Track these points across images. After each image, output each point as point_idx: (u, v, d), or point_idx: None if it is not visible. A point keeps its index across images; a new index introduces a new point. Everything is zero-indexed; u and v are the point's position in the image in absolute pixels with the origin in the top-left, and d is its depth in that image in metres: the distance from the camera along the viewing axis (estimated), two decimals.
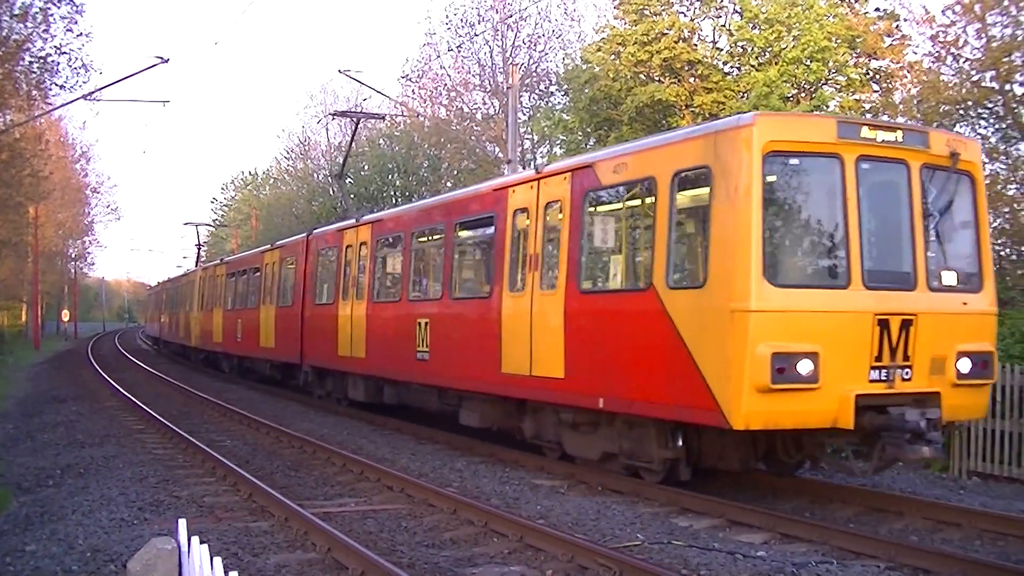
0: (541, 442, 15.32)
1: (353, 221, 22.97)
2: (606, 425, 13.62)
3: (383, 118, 41.39)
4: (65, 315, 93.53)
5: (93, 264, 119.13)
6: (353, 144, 40.78)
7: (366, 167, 55.06)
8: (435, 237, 18.63)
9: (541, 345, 14.18)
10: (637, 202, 13.44)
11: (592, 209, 13.89)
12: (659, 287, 11.85)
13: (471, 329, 16.46)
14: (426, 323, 17.88)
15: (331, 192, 58.60)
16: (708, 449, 12.72)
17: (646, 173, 12.60)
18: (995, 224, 22.53)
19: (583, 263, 13.73)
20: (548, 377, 13.99)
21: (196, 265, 53.49)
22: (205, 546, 4.14)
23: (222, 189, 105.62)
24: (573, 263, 13.70)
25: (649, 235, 12.59)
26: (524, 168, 26.10)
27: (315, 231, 26.28)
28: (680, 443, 12.52)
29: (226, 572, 3.84)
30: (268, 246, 31.01)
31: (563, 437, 14.61)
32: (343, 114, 40.07)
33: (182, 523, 4.64)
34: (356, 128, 36.03)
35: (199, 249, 62.16)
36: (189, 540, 4.38)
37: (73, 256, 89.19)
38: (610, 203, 14.02)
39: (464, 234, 17.91)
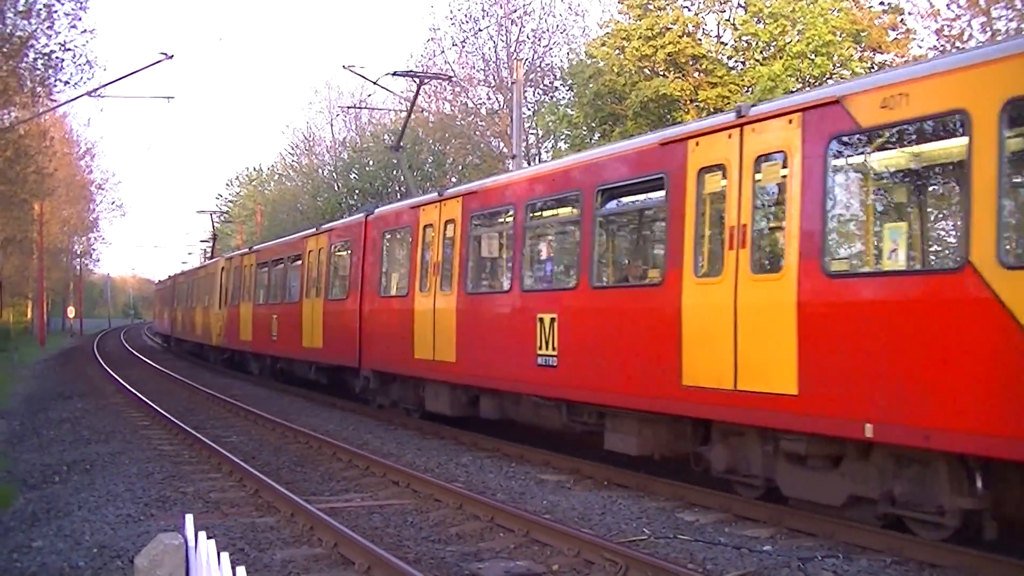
0: (736, 477, 11.71)
1: (434, 196, 18.93)
2: (857, 459, 10.08)
3: (449, 79, 41.21)
4: (70, 312, 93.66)
5: (98, 260, 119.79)
6: (357, 138, 40.51)
7: (371, 163, 55.06)
8: (565, 210, 15.08)
9: (754, 348, 10.62)
10: (931, 148, 9.94)
11: (842, 163, 10.33)
12: (982, 265, 8.35)
13: (628, 327, 12.74)
14: (552, 319, 14.15)
15: (336, 188, 58.62)
16: None
17: (949, 105, 9.00)
18: None
19: (829, 235, 10.19)
20: (768, 393, 10.35)
21: (211, 256, 51.64)
22: (212, 541, 4.14)
23: (227, 185, 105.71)
24: (813, 236, 10.04)
25: (955, 193, 9.80)
26: (528, 163, 26.04)
27: (377, 210, 22.18)
28: (982, 487, 9.08)
29: (233, 567, 3.84)
30: (312, 230, 27.14)
31: (779, 473, 11.00)
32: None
33: (189, 518, 4.64)
34: (418, 90, 29.84)
35: (214, 240, 60.09)
36: (196, 535, 4.38)
37: (78, 253, 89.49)
38: (877, 152, 10.28)
39: (613, 204, 14.27)
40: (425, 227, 18.76)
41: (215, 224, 63.53)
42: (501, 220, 16.84)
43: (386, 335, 20.25)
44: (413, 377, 19.41)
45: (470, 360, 16.58)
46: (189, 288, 48.24)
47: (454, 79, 43.14)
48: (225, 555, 3.93)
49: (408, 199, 22.11)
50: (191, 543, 4.42)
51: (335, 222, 26.06)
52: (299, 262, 27.13)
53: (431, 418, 19.01)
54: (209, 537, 4.37)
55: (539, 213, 15.64)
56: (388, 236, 21.04)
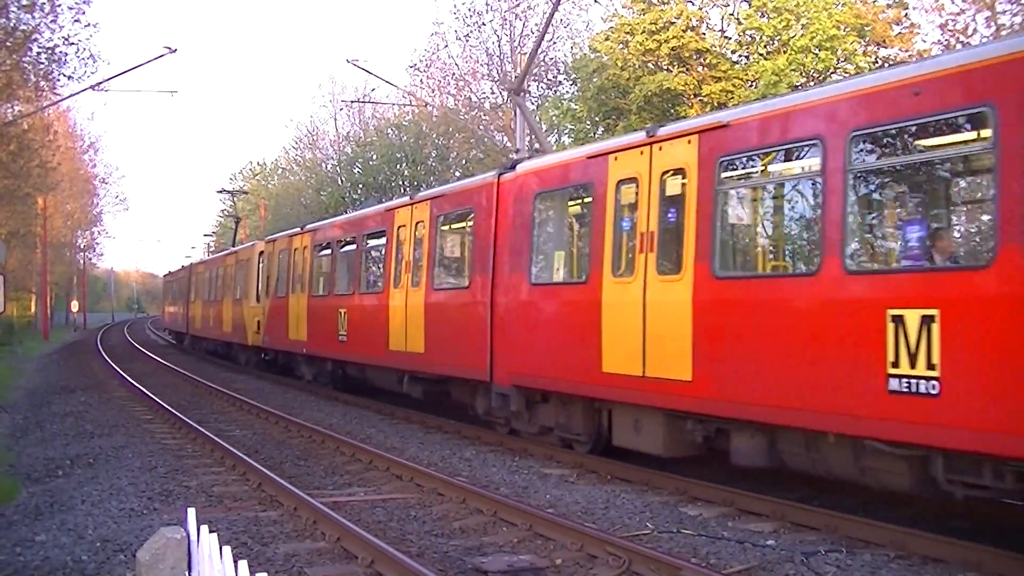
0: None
1: (642, 136, 13.10)
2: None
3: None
4: (74, 306, 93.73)
5: (102, 255, 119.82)
6: (360, 133, 40.51)
7: (374, 156, 55.07)
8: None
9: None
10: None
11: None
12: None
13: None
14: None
15: (339, 182, 58.60)
16: None
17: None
18: None
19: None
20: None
21: (233, 243, 46.30)
22: (214, 535, 4.13)
23: (231, 179, 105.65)
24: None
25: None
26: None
27: (520, 167, 16.03)
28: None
29: (235, 561, 3.83)
30: (405, 199, 21.00)
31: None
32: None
33: (191, 512, 4.63)
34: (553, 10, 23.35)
35: (237, 224, 54.24)
36: (199, 529, 4.37)
37: (82, 247, 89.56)
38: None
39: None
40: (619, 185, 13.33)
41: (234, 203, 60.03)
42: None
43: (542, 338, 14.70)
44: (588, 398, 14.07)
45: (717, 377, 11.35)
46: (212, 278, 42.06)
47: (396, 106, 44.47)
48: (227, 549, 3.92)
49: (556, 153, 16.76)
50: (194, 537, 4.41)
51: (442, 188, 19.70)
52: (382, 240, 21.32)
53: (613, 454, 14.14)
54: (212, 531, 4.36)
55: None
56: (544, 202, 15.45)
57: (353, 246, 23.18)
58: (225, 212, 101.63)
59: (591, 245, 13.64)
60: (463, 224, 17.97)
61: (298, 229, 28.35)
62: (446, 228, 18.53)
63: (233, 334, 35.80)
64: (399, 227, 20.20)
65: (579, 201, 14.97)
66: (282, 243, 29.36)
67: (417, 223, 19.20)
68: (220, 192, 65.92)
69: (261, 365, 33.64)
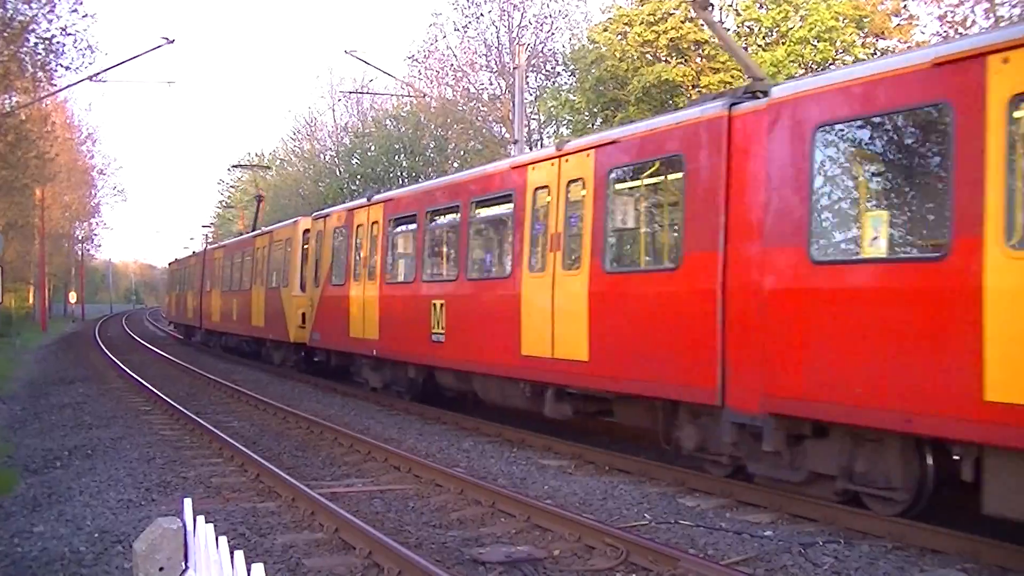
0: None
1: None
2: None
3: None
4: (72, 297, 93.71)
5: (100, 246, 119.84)
6: (359, 124, 39.70)
7: (372, 147, 55.02)
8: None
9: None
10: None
11: (618, 187, 13.34)
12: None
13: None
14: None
15: (337, 173, 58.58)
16: None
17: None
18: None
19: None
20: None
21: (254, 225, 41.05)
22: (210, 526, 4.13)
23: (229, 170, 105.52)
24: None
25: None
26: (530, 149, 25.95)
27: (778, 90, 10.86)
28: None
29: (232, 552, 3.83)
30: (542, 151, 16.26)
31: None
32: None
33: (187, 503, 4.63)
34: None
35: (259, 203, 45.25)
36: (195, 520, 4.37)
37: (80, 238, 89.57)
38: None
39: (482, 213, 17.41)
40: (537, 189, 14.60)
41: (255, 180, 54.18)
42: None
43: (839, 344, 9.70)
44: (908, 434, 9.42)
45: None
46: (235, 264, 36.76)
47: (395, 97, 43.39)
48: (223, 539, 3.92)
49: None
50: (190, 527, 4.41)
51: (615, 131, 14.29)
52: (505, 208, 16.32)
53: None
54: (210, 522, 4.36)
55: None
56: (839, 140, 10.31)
57: (454, 217, 18.09)
58: (223, 203, 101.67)
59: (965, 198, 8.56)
60: (658, 180, 13.35)
61: (363, 200, 22.39)
62: (624, 187, 13.66)
63: (266, 329, 30.63)
64: (536, 189, 15.19)
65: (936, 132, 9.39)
66: (338, 218, 23.92)
67: (569, 183, 14.32)
68: (235, 166, 59.16)
69: (304, 366, 28.23)
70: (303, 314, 26.63)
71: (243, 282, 34.75)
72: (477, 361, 16.63)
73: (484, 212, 17.33)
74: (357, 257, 22.22)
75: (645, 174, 13.34)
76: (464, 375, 17.73)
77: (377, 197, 21.67)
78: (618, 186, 13.53)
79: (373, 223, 21.39)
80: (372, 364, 22.16)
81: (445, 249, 19.19)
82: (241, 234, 44.98)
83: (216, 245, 44.89)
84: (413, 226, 19.66)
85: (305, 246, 27.67)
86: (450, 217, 18.40)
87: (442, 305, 17.66)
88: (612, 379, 13.04)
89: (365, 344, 21.36)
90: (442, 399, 19.79)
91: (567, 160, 14.37)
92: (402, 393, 20.92)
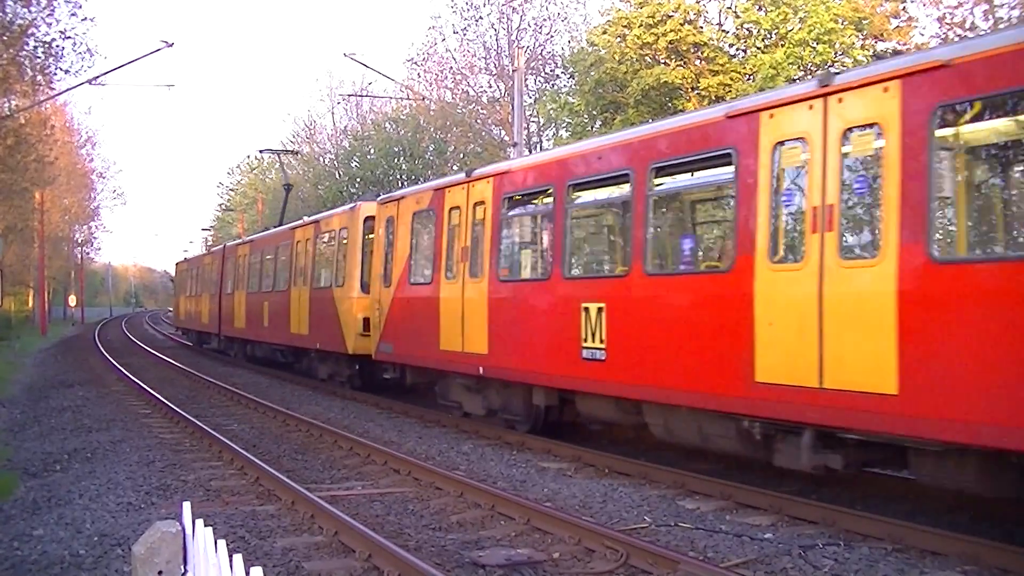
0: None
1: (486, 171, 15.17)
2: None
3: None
4: (72, 300, 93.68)
5: (99, 249, 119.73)
6: (358, 127, 38.45)
7: (372, 150, 55.04)
8: None
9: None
10: (612, 191, 14.20)
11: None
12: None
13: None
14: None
15: (337, 176, 58.59)
16: None
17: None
18: None
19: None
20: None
21: (281, 219, 37.13)
22: (209, 529, 4.13)
23: (228, 173, 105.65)
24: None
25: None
26: (529, 151, 25.97)
27: None
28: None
29: (231, 555, 3.82)
30: (800, 87, 10.94)
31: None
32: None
33: (186, 506, 4.62)
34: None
35: (288, 191, 40.93)
36: (194, 523, 4.37)
37: (79, 241, 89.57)
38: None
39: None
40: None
41: (282, 166, 48.40)
42: None
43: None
44: None
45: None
46: (264, 262, 32.10)
47: (394, 100, 41.99)
48: (222, 542, 3.92)
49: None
50: (189, 531, 4.41)
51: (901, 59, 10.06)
52: (723, 174, 11.91)
53: None
54: (210, 525, 4.36)
55: None
56: None
57: (620, 191, 13.80)
58: (223, 206, 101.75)
59: None
60: None
61: (457, 176, 18.33)
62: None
63: (312, 337, 25.68)
64: (785, 144, 10.61)
65: None
66: (418, 200, 19.38)
67: (866, 129, 9.76)
68: (263, 152, 51.05)
69: (358, 383, 24.01)
70: (365, 320, 21.80)
71: (278, 282, 29.79)
72: (661, 386, 12.29)
73: (675, 181, 13.35)
74: (451, 248, 17.61)
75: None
76: (632, 404, 13.32)
77: (483, 170, 17.29)
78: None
79: (476, 204, 16.86)
80: (470, 384, 17.50)
81: (604, 235, 15.93)
82: (246, 235, 44.03)
83: (240, 240, 38.68)
84: (543, 205, 15.53)
85: (369, 236, 22.81)
86: (613, 191, 14.22)
87: (600, 310, 13.30)
88: (941, 422, 8.74)
89: (465, 360, 16.80)
90: (575, 432, 16.14)
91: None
92: (516, 423, 16.34)
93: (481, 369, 16.29)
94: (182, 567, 4.38)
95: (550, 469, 13.63)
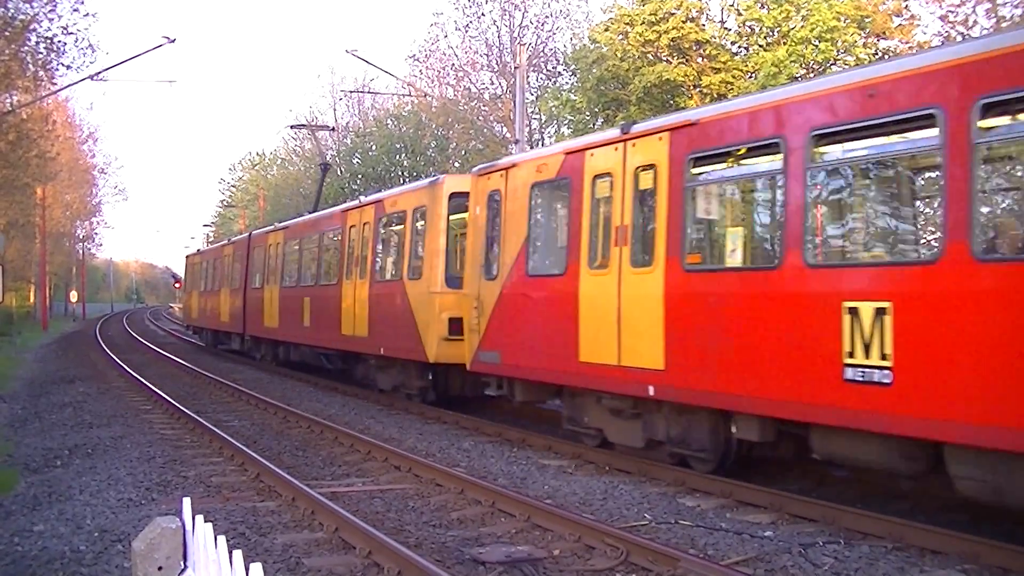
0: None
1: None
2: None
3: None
4: (73, 296, 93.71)
5: (101, 245, 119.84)
6: (360, 123, 37.16)
7: (374, 147, 55.01)
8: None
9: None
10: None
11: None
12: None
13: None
14: None
15: (339, 172, 58.59)
16: None
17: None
18: None
19: (376, 260, 20.29)
20: (358, 337, 22.39)
21: (316, 204, 33.92)
22: (209, 525, 4.13)
23: (230, 169, 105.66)
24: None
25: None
26: (530, 148, 25.92)
27: None
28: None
29: (231, 551, 3.82)
30: None
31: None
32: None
33: (186, 502, 4.62)
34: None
35: (324, 171, 37.22)
36: (194, 519, 4.36)
37: (81, 237, 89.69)
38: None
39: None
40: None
41: (316, 142, 43.59)
42: None
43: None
44: None
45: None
46: (305, 252, 28.13)
47: (395, 96, 40.65)
48: (222, 538, 3.91)
49: None
50: (189, 527, 4.40)
51: None
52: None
53: None
54: (210, 521, 4.35)
55: None
56: None
57: (898, 142, 10.41)
58: (224, 202, 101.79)
59: None
60: None
61: (609, 133, 14.14)
62: None
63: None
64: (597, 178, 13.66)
65: None
66: (539, 169, 15.37)
67: None
68: (294, 127, 45.06)
69: (433, 395, 19.99)
70: (453, 321, 18.10)
71: (324, 274, 25.77)
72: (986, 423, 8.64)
73: None
74: (597, 229, 13.94)
75: None
76: (926, 446, 9.64)
77: (651, 124, 13.21)
78: None
79: (640, 168, 12.90)
80: (623, 408, 13.54)
81: (882, 203, 11.83)
82: (248, 230, 41.74)
83: (270, 227, 33.37)
84: (763, 165, 11.72)
85: (455, 216, 19.22)
86: (897, 141, 10.37)
87: (881, 312, 9.49)
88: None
89: (621, 376, 12.95)
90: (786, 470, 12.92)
91: None
92: (694, 459, 12.57)
93: (652, 389, 12.34)
94: (182, 563, 4.38)
95: (551, 466, 13.63)
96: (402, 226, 20.66)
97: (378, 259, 21.90)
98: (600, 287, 13.43)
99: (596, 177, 13.83)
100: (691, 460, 12.55)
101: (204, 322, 43.22)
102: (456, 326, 17.93)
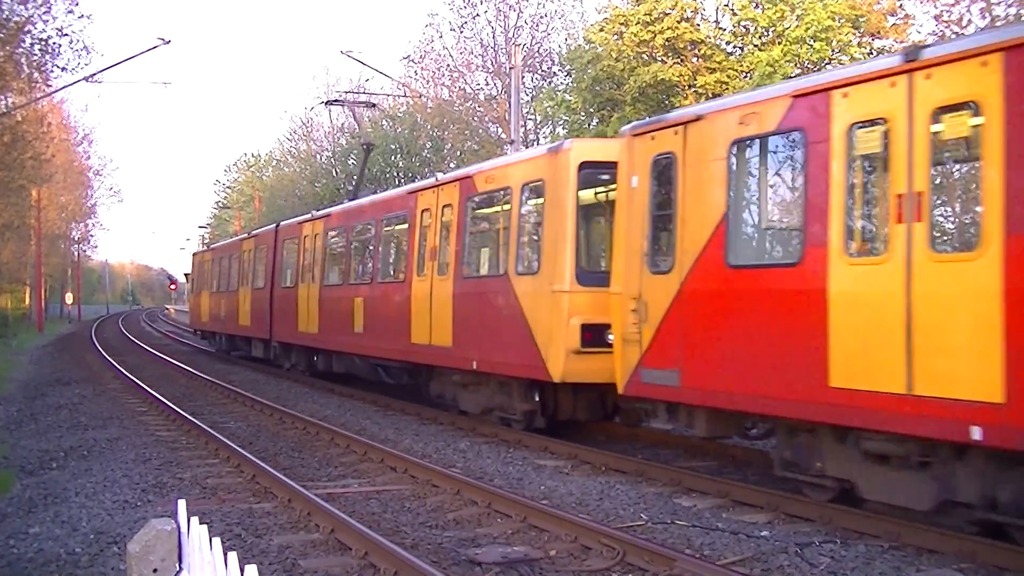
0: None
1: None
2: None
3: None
4: (68, 298, 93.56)
5: (96, 247, 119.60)
6: (355, 124, 35.68)
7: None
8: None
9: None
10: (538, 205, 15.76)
11: (472, 212, 17.79)
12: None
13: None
14: None
15: (334, 173, 58.55)
16: None
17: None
18: None
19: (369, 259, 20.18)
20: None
21: (356, 188, 30.28)
22: (204, 527, 4.12)
23: (225, 171, 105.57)
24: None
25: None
26: (526, 147, 25.82)
27: None
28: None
29: (226, 553, 3.82)
30: None
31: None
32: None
33: (181, 504, 4.61)
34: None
35: (367, 152, 31.86)
36: (189, 521, 4.36)
37: (76, 239, 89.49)
38: (487, 208, 17.39)
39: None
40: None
41: (356, 117, 40.01)
42: None
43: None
44: None
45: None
46: (354, 243, 23.79)
47: (391, 97, 39.93)
48: (217, 540, 3.91)
49: None
50: (184, 528, 4.40)
51: None
52: None
53: None
54: (206, 523, 4.35)
55: None
56: None
57: None
58: (220, 204, 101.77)
59: None
60: None
61: (853, 71, 10.35)
62: None
63: (459, 350, 17.12)
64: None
65: None
66: (746, 119, 11.29)
67: None
68: (330, 104, 40.69)
69: (542, 421, 15.82)
70: (586, 328, 14.14)
71: (385, 270, 21.69)
72: None
73: None
74: (854, 200, 10.20)
75: None
76: None
77: (952, 47, 9.39)
78: None
79: (941, 111, 9.19)
80: (900, 454, 9.67)
81: None
82: (243, 232, 39.90)
83: (306, 216, 28.30)
84: None
85: (604, 192, 15.23)
86: None
87: None
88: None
89: (919, 411, 9.03)
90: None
91: None
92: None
93: (978, 431, 8.50)
94: (177, 565, 4.37)
95: (547, 467, 13.63)
96: (505, 207, 16.43)
97: (467, 250, 17.49)
98: (868, 281, 9.63)
99: (854, 126, 9.91)
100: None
101: (217, 326, 38.78)
102: (592, 335, 14.05)
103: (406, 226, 20.04)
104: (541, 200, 15.37)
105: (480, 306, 16.65)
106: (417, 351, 18.78)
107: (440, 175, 19.37)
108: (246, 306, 32.89)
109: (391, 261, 21.71)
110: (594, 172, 14.74)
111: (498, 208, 16.88)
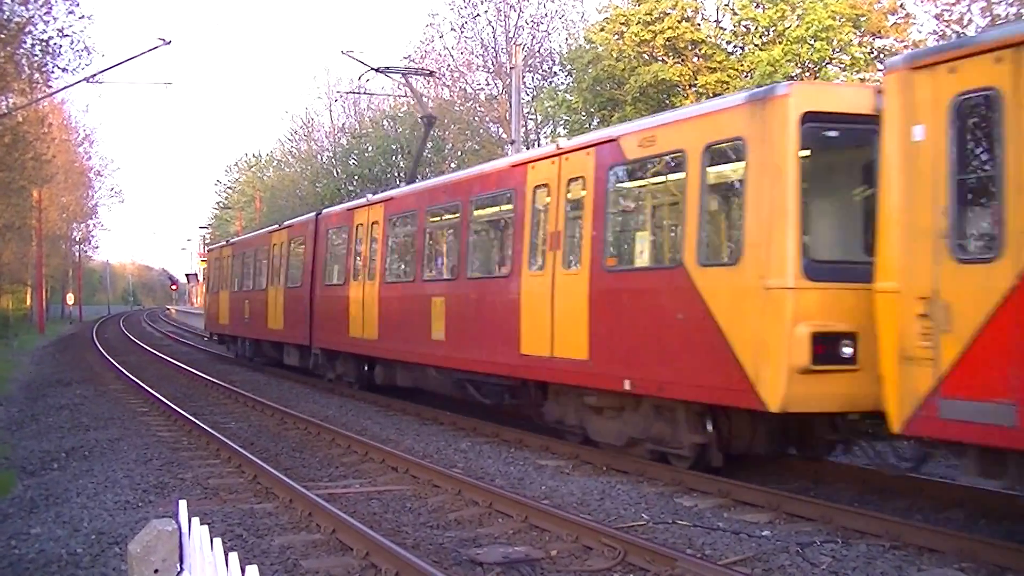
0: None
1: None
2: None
3: (431, 73, 34.26)
4: (70, 298, 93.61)
5: (97, 247, 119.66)
6: (356, 124, 35.32)
7: (370, 148, 54.98)
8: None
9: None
10: (507, 208, 16.55)
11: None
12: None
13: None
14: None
15: (335, 174, 58.55)
16: None
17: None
18: None
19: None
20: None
21: (416, 162, 30.06)
22: (205, 527, 4.12)
23: (226, 171, 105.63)
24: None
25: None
26: (527, 148, 25.78)
27: None
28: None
29: (227, 553, 3.82)
30: None
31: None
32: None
33: (183, 504, 4.62)
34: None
35: (429, 126, 28.26)
36: (190, 521, 4.36)
37: (77, 239, 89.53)
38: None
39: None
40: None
41: (412, 89, 33.69)
42: None
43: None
44: None
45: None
46: (426, 233, 19.73)
47: (436, 73, 39.54)
48: (218, 541, 3.91)
49: None
50: (185, 529, 4.40)
51: None
52: None
53: None
54: (207, 523, 4.35)
55: None
56: None
57: None
58: (221, 204, 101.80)
59: None
60: None
61: None
62: None
63: (597, 367, 13.44)
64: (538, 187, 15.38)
65: None
66: None
67: None
68: (380, 70, 36.76)
69: (719, 459, 12.38)
70: (818, 338, 10.48)
71: (476, 264, 18.12)
72: None
73: None
74: None
75: None
76: None
77: None
78: None
79: None
80: None
81: None
82: (244, 233, 39.69)
83: (360, 201, 23.66)
84: None
85: (812, 155, 11.30)
86: None
87: None
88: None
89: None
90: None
91: None
92: None
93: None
94: (178, 565, 4.38)
95: (548, 467, 13.63)
96: (674, 176, 12.81)
97: (608, 235, 13.79)
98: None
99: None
100: None
101: (240, 330, 34.79)
102: (825, 347, 10.49)
103: (511, 207, 16.27)
104: (738, 165, 11.64)
105: (635, 307, 12.90)
106: (530, 365, 15.06)
107: (561, 142, 15.19)
108: (278, 308, 29.03)
109: (488, 252, 18.41)
110: (819, 126, 11.04)
111: (662, 179, 13.27)
